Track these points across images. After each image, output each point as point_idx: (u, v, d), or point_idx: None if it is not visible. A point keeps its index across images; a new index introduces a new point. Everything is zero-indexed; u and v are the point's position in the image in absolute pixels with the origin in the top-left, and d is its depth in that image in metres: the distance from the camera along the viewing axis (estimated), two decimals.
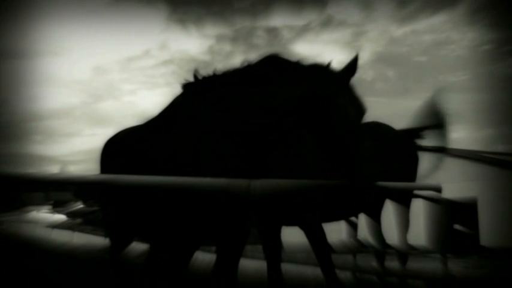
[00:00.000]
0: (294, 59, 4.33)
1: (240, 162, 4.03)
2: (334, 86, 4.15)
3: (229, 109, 4.13)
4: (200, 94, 4.38)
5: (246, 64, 4.35)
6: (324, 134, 4.12)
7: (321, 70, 4.30)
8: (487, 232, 20.82)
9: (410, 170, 6.76)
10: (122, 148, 4.97)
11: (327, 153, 4.23)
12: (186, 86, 4.59)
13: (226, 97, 4.20)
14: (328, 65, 4.36)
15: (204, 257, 5.73)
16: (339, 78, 4.25)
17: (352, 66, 4.30)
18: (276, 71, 4.17)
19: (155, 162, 4.26)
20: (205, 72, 4.51)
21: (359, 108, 4.27)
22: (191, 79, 4.57)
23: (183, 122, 4.31)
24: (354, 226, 7.78)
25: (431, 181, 6.45)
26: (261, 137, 4.08)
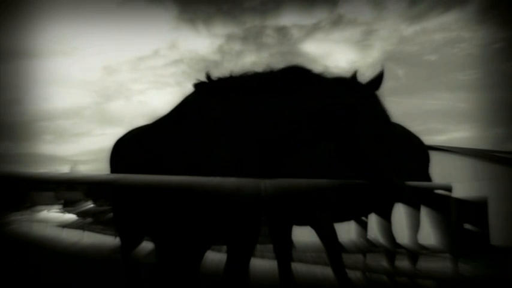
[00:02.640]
0: (317, 70, 4.32)
1: (252, 168, 4.02)
2: (357, 99, 4.16)
3: (246, 114, 4.11)
4: (216, 96, 4.36)
5: (268, 71, 4.33)
6: (346, 146, 4.14)
7: (344, 82, 4.29)
8: (497, 231, 20.73)
9: (421, 170, 6.74)
10: (132, 147, 4.98)
11: (348, 165, 4.26)
12: (199, 86, 4.56)
13: (244, 102, 4.18)
14: (351, 77, 4.36)
15: (214, 257, 5.74)
16: (362, 91, 4.26)
17: (377, 80, 4.31)
18: (298, 82, 4.16)
19: (166, 161, 4.26)
20: (217, 72, 4.48)
21: (384, 120, 4.29)
22: (203, 78, 4.54)
23: (196, 123, 4.29)
24: (363, 225, 7.76)
25: (441, 180, 6.43)
26: (275, 145, 4.07)
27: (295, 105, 4.06)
